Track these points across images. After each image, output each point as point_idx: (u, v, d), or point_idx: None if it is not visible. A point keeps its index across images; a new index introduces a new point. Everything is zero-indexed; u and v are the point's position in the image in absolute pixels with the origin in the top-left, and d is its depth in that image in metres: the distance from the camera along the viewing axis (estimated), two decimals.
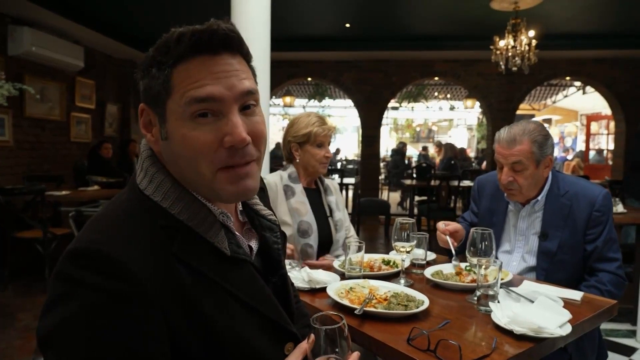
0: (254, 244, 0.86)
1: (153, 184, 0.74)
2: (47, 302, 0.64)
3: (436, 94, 13.38)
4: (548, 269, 1.71)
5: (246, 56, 0.76)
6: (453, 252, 1.71)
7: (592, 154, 11.59)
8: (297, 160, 2.01)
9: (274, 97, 11.23)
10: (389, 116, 15.47)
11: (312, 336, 0.76)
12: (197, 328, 0.68)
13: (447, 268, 1.66)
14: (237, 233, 0.81)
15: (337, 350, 0.75)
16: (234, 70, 0.72)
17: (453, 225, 1.78)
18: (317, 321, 0.76)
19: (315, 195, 2.05)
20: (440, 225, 1.78)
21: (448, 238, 1.74)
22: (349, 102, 10.32)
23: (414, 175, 8.08)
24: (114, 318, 0.62)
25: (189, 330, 0.67)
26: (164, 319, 0.65)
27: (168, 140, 0.73)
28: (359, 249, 1.55)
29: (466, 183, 6.54)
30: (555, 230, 1.72)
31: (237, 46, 0.74)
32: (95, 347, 0.60)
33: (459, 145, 12.28)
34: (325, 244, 1.99)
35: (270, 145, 11.10)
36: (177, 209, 0.73)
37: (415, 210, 6.64)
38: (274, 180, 1.97)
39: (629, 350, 2.89)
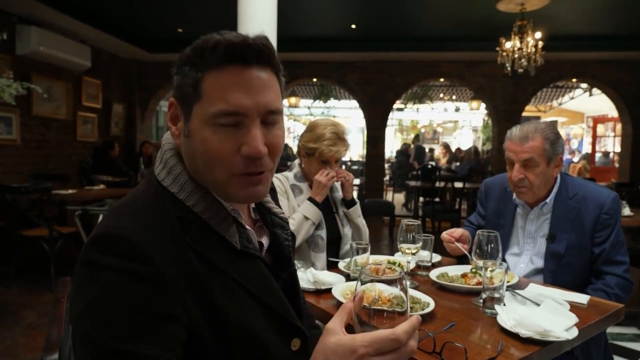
0: (265, 241, 0.88)
1: (171, 175, 0.77)
2: (74, 288, 0.67)
3: (441, 95, 13.35)
4: (555, 271, 1.70)
5: (275, 68, 0.79)
6: (468, 254, 1.70)
7: (598, 156, 11.54)
8: (303, 166, 2.04)
9: None
10: (394, 117, 15.45)
11: (360, 294, 0.65)
12: (208, 316, 0.70)
13: (453, 270, 1.65)
14: (248, 228, 0.82)
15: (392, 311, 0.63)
16: (261, 85, 0.74)
17: (457, 232, 1.78)
18: (370, 273, 0.66)
19: None
20: (444, 235, 1.78)
21: (457, 244, 1.74)
22: (354, 103, 10.32)
23: (419, 177, 8.06)
24: (136, 297, 0.64)
25: (200, 317, 0.69)
26: (181, 303, 0.67)
27: (189, 138, 0.76)
28: (365, 251, 1.55)
29: (471, 185, 6.52)
30: (563, 233, 1.71)
31: (268, 59, 0.76)
32: (116, 328, 0.62)
33: (464, 147, 12.26)
34: (334, 240, 2.02)
35: None
36: (193, 201, 0.76)
37: (420, 212, 6.63)
38: (279, 182, 2.01)
39: (635, 355, 2.87)
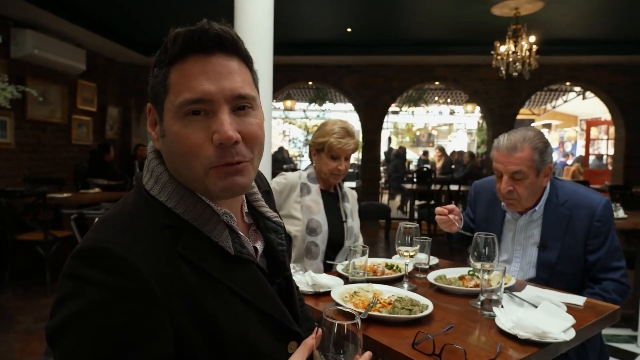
0: (259, 246, 0.87)
1: (158, 184, 0.76)
2: (56, 300, 0.65)
3: (436, 98, 13.41)
4: (548, 279, 1.67)
5: (245, 59, 0.78)
6: (457, 224, 1.76)
7: (591, 159, 11.61)
8: (314, 165, 2.06)
9: (274, 100, 11.26)
10: (389, 120, 15.50)
11: (320, 331, 0.73)
12: (201, 325, 0.69)
13: (451, 272, 1.66)
14: (241, 233, 0.82)
15: (346, 349, 0.72)
16: (226, 71, 0.73)
17: (450, 206, 1.80)
18: (329, 316, 0.73)
19: (332, 199, 2.08)
20: (439, 208, 1.79)
21: (450, 216, 1.75)
22: (349, 106, 10.35)
23: (414, 180, 8.10)
24: (120, 315, 0.63)
25: (193, 328, 0.68)
26: (169, 316, 0.66)
27: (165, 137, 0.75)
28: (363, 253, 1.55)
29: (466, 188, 6.55)
30: (555, 241, 1.68)
31: (232, 47, 0.75)
32: (99, 344, 0.61)
33: (457, 149, 12.31)
34: (336, 247, 2.02)
35: (273, 149, 11.11)
36: (182, 208, 0.74)
37: (416, 215, 6.65)
38: (294, 177, 2.03)
39: (630, 356, 2.89)
